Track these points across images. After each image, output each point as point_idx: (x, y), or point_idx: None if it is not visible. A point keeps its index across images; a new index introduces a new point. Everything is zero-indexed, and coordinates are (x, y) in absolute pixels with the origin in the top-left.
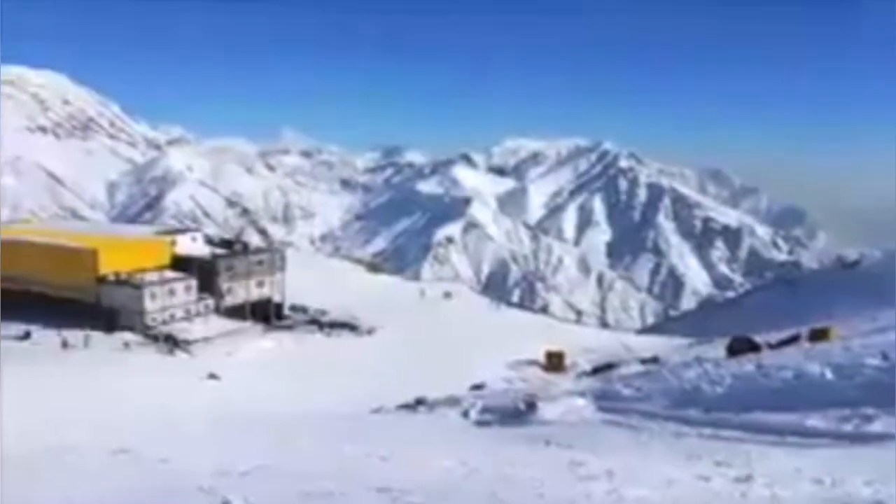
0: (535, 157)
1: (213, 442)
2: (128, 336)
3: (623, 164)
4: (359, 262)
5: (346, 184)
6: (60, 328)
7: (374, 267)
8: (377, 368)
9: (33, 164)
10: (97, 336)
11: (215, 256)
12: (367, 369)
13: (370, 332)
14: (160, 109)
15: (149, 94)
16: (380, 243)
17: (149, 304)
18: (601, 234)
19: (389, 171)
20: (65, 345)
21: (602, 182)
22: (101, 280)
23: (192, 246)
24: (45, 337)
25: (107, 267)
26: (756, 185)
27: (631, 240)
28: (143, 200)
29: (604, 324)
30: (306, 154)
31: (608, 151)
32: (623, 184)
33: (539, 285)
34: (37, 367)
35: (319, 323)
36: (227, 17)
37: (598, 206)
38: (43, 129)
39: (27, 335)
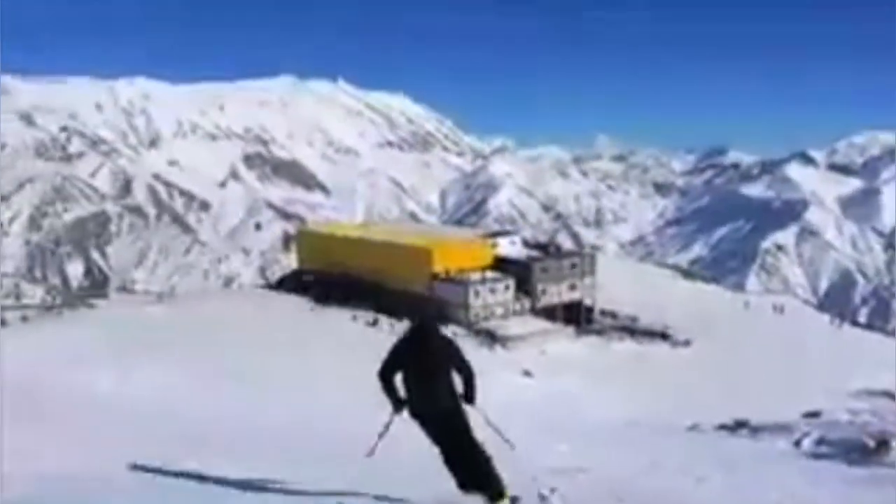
0: (891, 154)
1: (533, 437)
2: (454, 328)
3: None
4: (673, 268)
5: (659, 187)
6: (399, 317)
7: (690, 274)
8: (692, 383)
9: (383, 174)
10: None
11: (531, 259)
12: (681, 382)
13: (686, 343)
14: (487, 122)
15: (479, 108)
16: (697, 250)
17: (473, 301)
18: None
19: (710, 173)
20: None
21: None
22: (434, 277)
23: (510, 248)
24: (389, 325)
25: (439, 265)
26: None
27: None
28: (469, 205)
29: None
30: (619, 158)
31: None
32: None
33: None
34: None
35: (630, 330)
36: (545, 27)
37: None
38: (391, 144)
39: (375, 322)
